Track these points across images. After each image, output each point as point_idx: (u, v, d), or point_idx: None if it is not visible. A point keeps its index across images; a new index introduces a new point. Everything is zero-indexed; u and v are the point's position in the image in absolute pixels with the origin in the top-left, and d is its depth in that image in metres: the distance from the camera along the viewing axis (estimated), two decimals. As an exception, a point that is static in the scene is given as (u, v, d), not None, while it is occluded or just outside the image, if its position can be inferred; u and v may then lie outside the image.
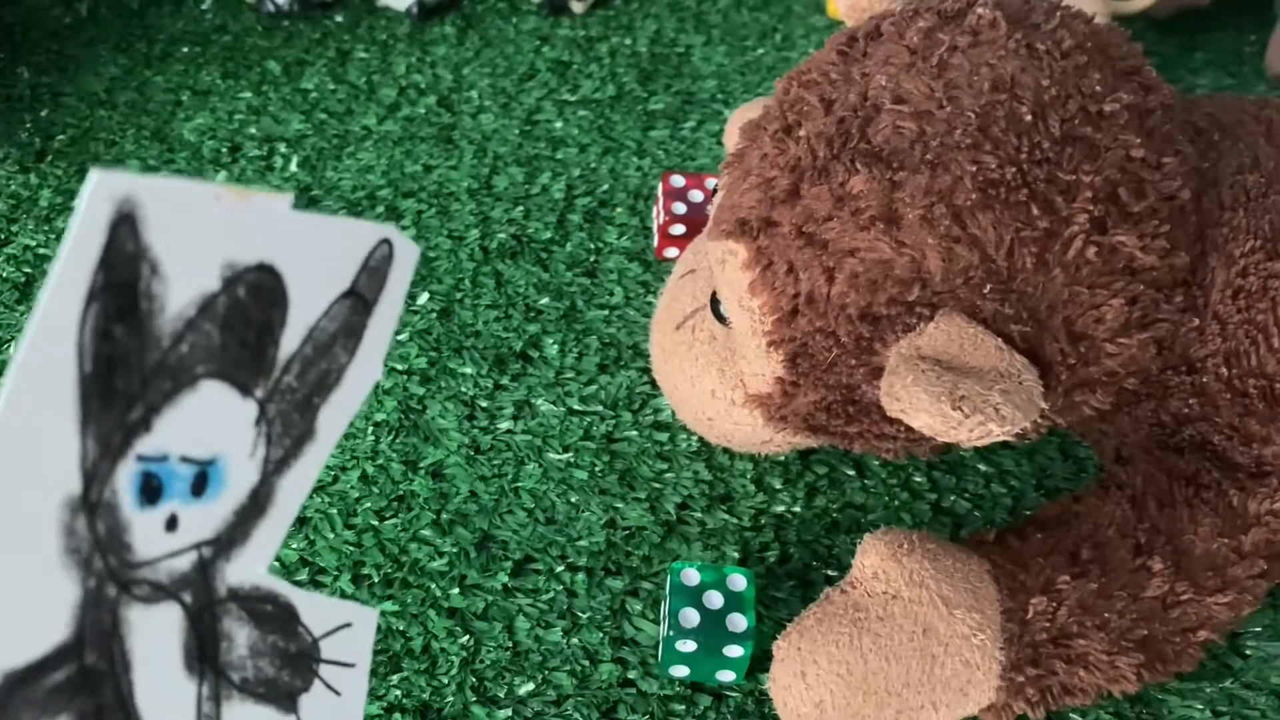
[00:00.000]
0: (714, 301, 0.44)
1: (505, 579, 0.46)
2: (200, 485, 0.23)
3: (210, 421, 0.22)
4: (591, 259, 0.60)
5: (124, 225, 0.19)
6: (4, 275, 0.59)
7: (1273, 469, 0.43)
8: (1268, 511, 0.42)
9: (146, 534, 0.22)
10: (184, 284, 0.20)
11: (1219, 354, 0.42)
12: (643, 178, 0.65)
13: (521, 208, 0.63)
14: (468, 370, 0.55)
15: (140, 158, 0.66)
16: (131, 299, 0.20)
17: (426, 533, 0.48)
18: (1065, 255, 0.36)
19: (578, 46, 0.76)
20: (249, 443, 0.23)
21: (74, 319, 0.19)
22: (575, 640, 0.45)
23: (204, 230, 0.21)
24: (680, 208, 0.58)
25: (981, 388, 0.35)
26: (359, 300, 0.25)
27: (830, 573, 0.47)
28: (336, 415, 0.25)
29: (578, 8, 0.78)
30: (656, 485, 0.50)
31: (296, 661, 0.26)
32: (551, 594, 0.46)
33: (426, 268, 0.59)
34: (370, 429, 0.52)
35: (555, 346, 0.56)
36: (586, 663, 0.44)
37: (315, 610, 0.26)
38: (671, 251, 0.60)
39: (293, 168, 0.66)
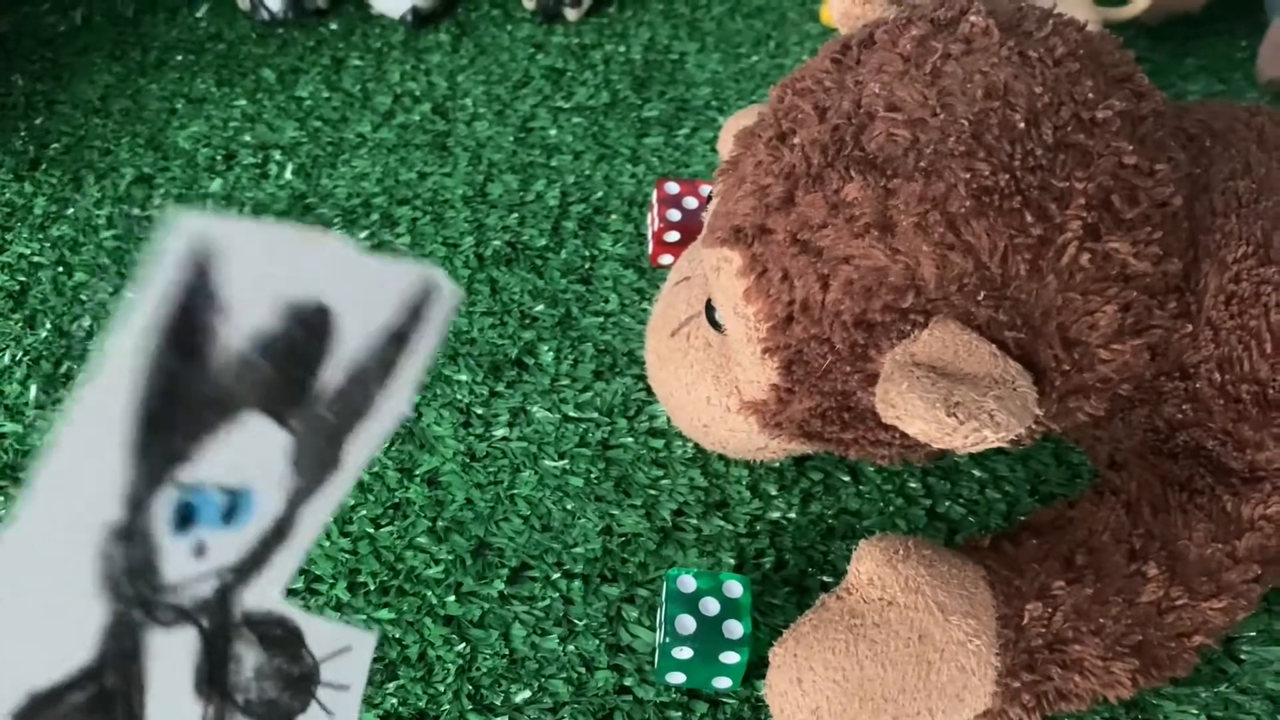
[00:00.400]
0: (709, 308, 0.44)
1: (501, 586, 0.46)
2: (230, 513, 0.23)
3: (247, 452, 0.22)
4: (586, 266, 0.61)
5: (200, 266, 0.19)
6: (-2, 283, 0.59)
7: (1266, 474, 0.43)
8: (1261, 516, 0.42)
9: (175, 560, 0.22)
10: (244, 321, 0.21)
11: (1212, 359, 0.42)
12: (637, 185, 0.65)
13: (516, 215, 0.63)
14: (463, 377, 0.55)
15: (135, 165, 0.66)
16: (194, 336, 0.20)
17: (422, 540, 0.48)
18: (1059, 262, 0.36)
19: (572, 54, 0.76)
20: (280, 473, 0.24)
21: (141, 354, 0.19)
22: (571, 647, 0.45)
23: (271, 270, 0.21)
24: (675, 214, 0.58)
25: (976, 394, 0.35)
26: (398, 338, 0.25)
27: (826, 579, 0.47)
28: (362, 447, 0.25)
29: (572, 15, 0.78)
30: (652, 492, 0.50)
31: (297, 684, 0.26)
32: (547, 601, 0.46)
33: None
34: (366, 436, 0.52)
35: (550, 353, 0.56)
36: (583, 670, 0.44)
37: (319, 633, 0.27)
38: (666, 258, 0.60)
39: (287, 175, 0.66)
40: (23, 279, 0.59)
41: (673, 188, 0.59)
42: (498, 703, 0.43)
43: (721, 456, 0.51)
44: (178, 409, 0.20)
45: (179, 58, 0.75)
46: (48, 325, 0.57)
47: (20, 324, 0.57)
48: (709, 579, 0.43)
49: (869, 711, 0.39)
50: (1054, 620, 0.40)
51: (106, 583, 0.20)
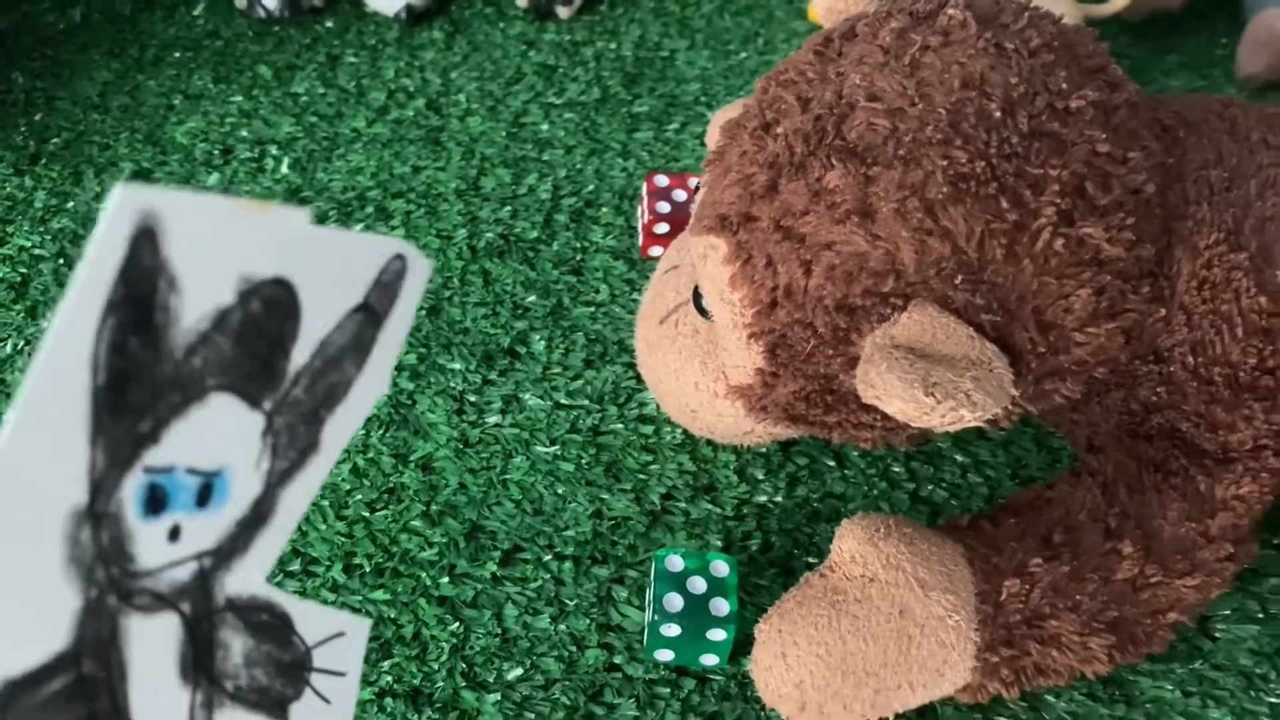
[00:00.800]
0: (696, 296, 0.45)
1: (494, 568, 0.47)
2: (205, 496, 0.22)
3: (218, 433, 0.22)
4: (577, 257, 0.62)
5: (145, 239, 0.19)
6: (0, 275, 0.60)
7: (1238, 455, 0.44)
8: (1234, 496, 0.44)
9: (149, 544, 0.21)
10: (199, 297, 0.20)
11: (1185, 343, 0.43)
12: (628, 178, 0.67)
13: (509, 208, 0.64)
14: (456, 366, 0.56)
15: (133, 160, 0.67)
16: (147, 312, 0.19)
17: (417, 524, 0.49)
18: (1034, 247, 0.37)
19: (563, 51, 0.77)
20: (255, 454, 0.23)
21: (90, 331, 0.19)
22: (562, 626, 0.46)
23: (222, 244, 0.21)
24: (664, 207, 0.59)
25: (953, 375, 0.36)
26: (370, 314, 0.24)
27: (811, 560, 0.48)
28: (341, 427, 0.25)
29: (563, 13, 0.79)
30: (642, 476, 0.51)
31: (289, 670, 0.26)
32: (539, 582, 0.47)
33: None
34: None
35: (542, 342, 0.57)
36: (573, 648, 0.45)
37: (309, 619, 0.26)
38: (656, 250, 0.61)
39: (284, 169, 0.67)
40: (24, 271, 0.60)
41: (662, 181, 0.60)
42: (490, 680, 0.44)
43: (709, 441, 0.52)
44: (138, 390, 0.20)
45: (176, 55, 0.76)
46: (48, 316, 0.58)
47: (22, 314, 0.58)
48: (696, 558, 0.44)
49: (851, 685, 0.40)
50: (1032, 597, 0.41)
51: (76, 567, 0.20)
